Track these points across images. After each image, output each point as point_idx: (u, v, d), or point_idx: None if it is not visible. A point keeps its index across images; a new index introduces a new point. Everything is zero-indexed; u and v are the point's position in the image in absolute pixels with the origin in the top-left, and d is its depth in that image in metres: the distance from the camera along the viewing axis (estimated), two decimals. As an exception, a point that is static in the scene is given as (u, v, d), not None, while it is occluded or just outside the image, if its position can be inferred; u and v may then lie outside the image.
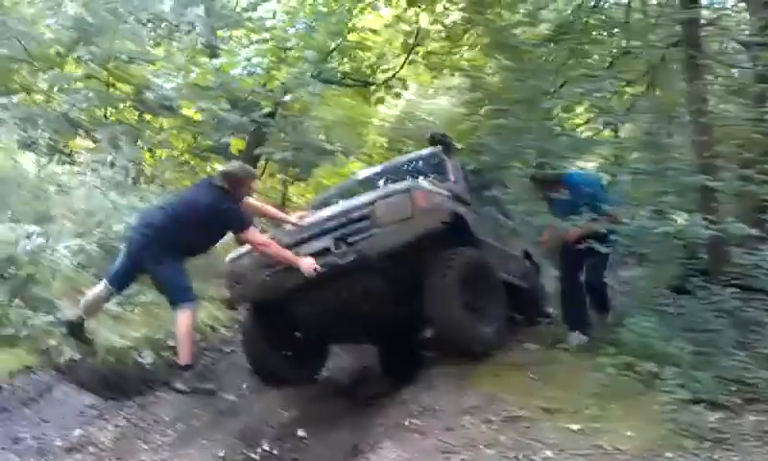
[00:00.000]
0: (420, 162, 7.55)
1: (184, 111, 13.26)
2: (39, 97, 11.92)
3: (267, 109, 11.91)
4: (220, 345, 7.87)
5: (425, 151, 7.66)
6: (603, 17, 12.15)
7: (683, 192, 8.54)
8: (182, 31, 11.90)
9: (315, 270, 5.74)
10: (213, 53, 12.59)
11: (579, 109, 13.92)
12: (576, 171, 7.11)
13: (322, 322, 6.22)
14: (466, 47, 13.65)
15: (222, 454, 4.90)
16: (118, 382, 6.07)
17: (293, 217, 6.41)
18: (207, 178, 6.61)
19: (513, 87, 13.90)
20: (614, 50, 12.72)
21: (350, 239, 5.79)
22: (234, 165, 6.28)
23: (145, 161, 12.41)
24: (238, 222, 5.89)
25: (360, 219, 5.82)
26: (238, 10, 12.72)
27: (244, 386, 6.43)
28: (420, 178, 7.02)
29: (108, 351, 6.23)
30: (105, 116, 12.35)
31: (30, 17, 11.41)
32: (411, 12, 12.76)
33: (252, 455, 5.18)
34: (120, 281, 6.01)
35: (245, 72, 11.20)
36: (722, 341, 5.07)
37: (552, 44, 13.04)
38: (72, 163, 10.04)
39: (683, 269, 7.60)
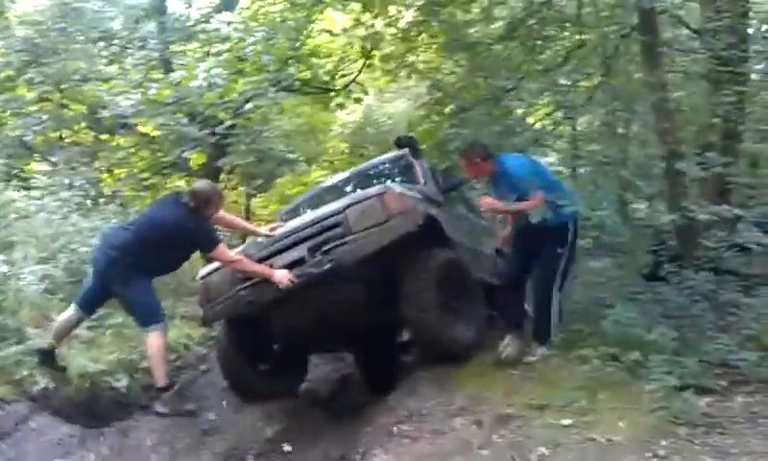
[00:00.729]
0: (388, 166, 7.50)
1: (141, 128, 13.07)
2: (-9, 122, 11.60)
3: (227, 122, 11.76)
4: (195, 362, 7.74)
5: (392, 154, 7.61)
6: (555, 12, 12.32)
7: (648, 180, 8.67)
8: (135, 47, 11.66)
9: (290, 281, 5.65)
10: (168, 67, 12.40)
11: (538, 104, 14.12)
12: (508, 155, 6.59)
13: (300, 333, 6.12)
14: (421, 49, 13.68)
15: (209, 475, 4.79)
16: (94, 409, 5.92)
17: (264, 229, 6.31)
18: (173, 195, 6.47)
19: (471, 86, 14.06)
20: (569, 44, 12.90)
21: (325, 248, 5.71)
22: (202, 183, 6.16)
23: (104, 182, 12.17)
24: (206, 241, 5.78)
25: (333, 226, 5.75)
26: (191, 22, 12.51)
27: (224, 404, 6.32)
28: (389, 181, 7.00)
29: (81, 376, 6.05)
30: (60, 138, 12.07)
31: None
32: (366, 16, 12.75)
33: (238, 473, 5.09)
34: (89, 305, 5.88)
35: (204, 84, 11.07)
36: (703, 325, 5.11)
37: (507, 41, 13.19)
38: (29, 188, 9.79)
39: (653, 256, 7.69)
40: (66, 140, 12.49)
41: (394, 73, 13.95)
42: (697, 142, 7.78)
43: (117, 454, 4.90)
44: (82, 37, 11.29)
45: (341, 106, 11.74)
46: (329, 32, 11.79)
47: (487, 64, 13.57)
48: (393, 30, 12.98)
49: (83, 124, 12.64)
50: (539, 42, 12.45)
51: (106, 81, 11.45)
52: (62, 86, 11.28)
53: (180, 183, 14.52)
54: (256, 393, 6.24)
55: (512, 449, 4.18)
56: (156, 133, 13.08)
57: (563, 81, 12.85)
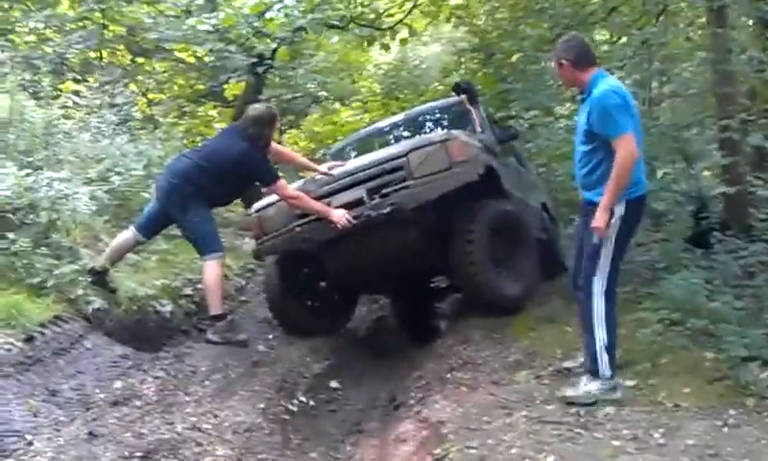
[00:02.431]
0: (444, 112, 7.41)
1: (177, 54, 12.95)
2: (31, 38, 11.49)
3: (266, 53, 11.65)
4: (234, 294, 7.80)
5: (449, 100, 7.52)
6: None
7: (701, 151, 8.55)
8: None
9: (348, 221, 5.63)
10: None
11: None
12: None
13: (352, 273, 6.13)
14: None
15: (262, 406, 4.81)
16: (142, 332, 5.99)
17: (323, 167, 6.27)
18: (235, 125, 6.44)
19: (511, 34, 13.86)
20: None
21: (384, 191, 5.68)
22: (258, 106, 6.13)
23: (138, 105, 12.11)
24: (267, 174, 5.76)
25: (394, 170, 5.71)
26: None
27: (269, 336, 6.34)
28: (445, 128, 6.93)
29: (130, 299, 6.10)
30: (100, 58, 11.96)
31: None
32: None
33: (290, 407, 5.11)
34: (149, 229, 5.91)
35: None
36: (764, 296, 5.08)
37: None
38: (69, 107, 9.73)
39: (695, 222, 7.63)
40: (103, 61, 12.40)
41: (434, 16, 13.82)
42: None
43: (173, 378, 4.92)
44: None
45: (385, 46, 11.59)
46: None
47: (528, 13, 13.48)
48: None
49: (121, 45, 12.55)
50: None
51: (149, 3, 11.31)
52: (104, 6, 11.14)
53: (212, 113, 14.51)
54: (302, 328, 6.28)
55: (576, 406, 4.17)
56: (191, 59, 13.02)
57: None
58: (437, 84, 15.70)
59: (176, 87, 13.51)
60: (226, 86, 12.95)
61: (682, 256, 6.39)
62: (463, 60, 15.58)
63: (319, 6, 9.54)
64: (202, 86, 13.16)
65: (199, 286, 6.80)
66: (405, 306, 7.70)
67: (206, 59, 12.34)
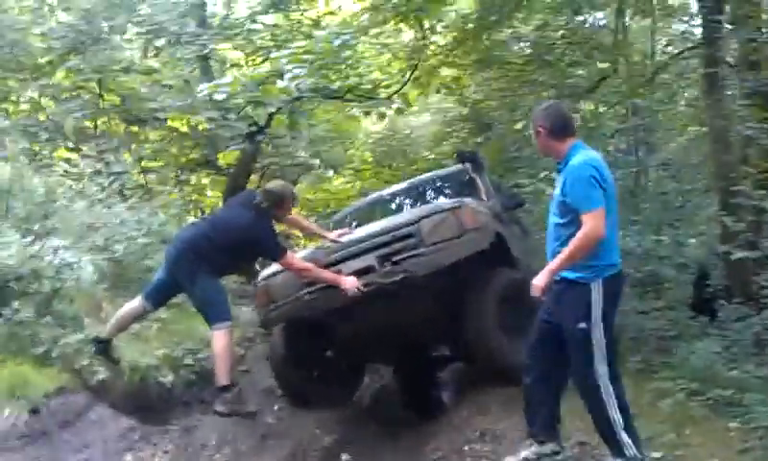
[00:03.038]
0: (449, 181, 7.41)
1: (170, 123, 12.97)
2: (25, 107, 11.48)
3: (260, 121, 11.70)
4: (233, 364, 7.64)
5: (454, 168, 7.53)
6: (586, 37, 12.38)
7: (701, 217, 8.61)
8: (182, 42, 11.53)
9: (359, 289, 5.56)
10: (206, 66, 12.36)
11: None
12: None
13: (361, 342, 6.04)
14: (454, 65, 13.74)
15: (274, 480, 4.69)
16: (148, 403, 5.84)
17: (332, 234, 6.22)
18: (246, 194, 6.41)
19: (498, 105, 14.12)
20: (601, 68, 12.96)
21: (395, 258, 5.62)
22: (276, 183, 6.09)
23: (131, 175, 12.06)
24: (274, 250, 5.68)
25: (405, 237, 5.66)
26: (234, 20, 12.46)
27: (275, 408, 6.20)
28: (447, 197, 6.94)
29: (132, 370, 5.96)
30: (94, 127, 11.95)
31: (21, 24, 11.02)
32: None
33: (303, 482, 4.99)
34: (157, 298, 5.79)
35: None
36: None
37: (537, 63, 13.26)
38: (65, 175, 9.68)
39: (699, 291, 7.63)
40: (98, 129, 12.38)
41: (425, 87, 14.02)
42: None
43: (183, 451, 4.79)
44: (127, 27, 11.16)
45: (381, 115, 11.69)
46: (381, 43, 11.70)
47: (515, 85, 13.76)
48: (432, 46, 13.08)
49: (114, 115, 12.55)
50: (567, 65, 12.59)
51: (147, 73, 11.36)
52: (101, 76, 11.16)
53: (205, 181, 14.48)
54: (309, 399, 6.14)
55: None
56: (184, 128, 13.03)
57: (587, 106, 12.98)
58: (427, 153, 15.87)
59: (170, 157, 13.48)
60: (219, 155, 12.95)
61: (690, 324, 6.38)
62: (452, 129, 15.82)
63: (317, 75, 9.58)
64: (195, 156, 13.14)
65: (200, 356, 6.67)
66: (408, 376, 7.58)
67: (201, 127, 12.37)
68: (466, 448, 4.88)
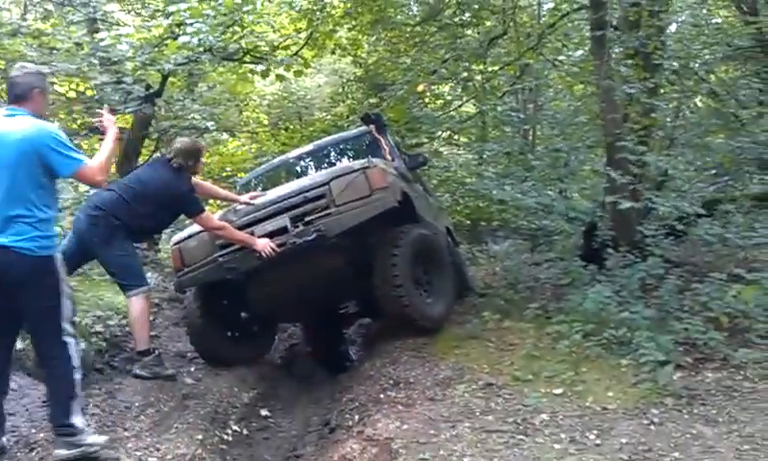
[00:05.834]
0: (354, 142, 7.61)
1: (57, 88, 12.56)
2: None
3: (154, 85, 11.51)
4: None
5: (359, 130, 7.72)
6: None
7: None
8: (75, 5, 11.12)
9: (272, 250, 5.72)
10: (94, 29, 11.98)
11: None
12: None
13: (276, 302, 6.21)
14: (348, 26, 13.82)
15: (200, 438, 4.84)
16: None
17: (243, 197, 6.32)
18: (159, 157, 6.41)
19: (392, 66, 14.37)
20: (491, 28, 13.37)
21: (307, 218, 5.80)
22: (185, 140, 6.13)
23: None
24: (194, 205, 5.76)
25: (316, 198, 5.85)
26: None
27: (192, 369, 6.30)
28: (352, 158, 7.14)
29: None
30: (-21, 93, 11.45)
31: None
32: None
33: (225, 437, 5.18)
34: (68, 266, 5.71)
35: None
36: (668, 307, 5.54)
37: (429, 24, 13.57)
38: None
39: (588, 242, 8.14)
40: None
41: (321, 48, 14.07)
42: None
43: (109, 415, 4.85)
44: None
45: (280, 77, 11.68)
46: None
47: (409, 45, 14.04)
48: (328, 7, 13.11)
49: (2, 79, 12.05)
50: (458, 26, 12.94)
51: (35, 37, 10.94)
52: (-15, 39, 10.69)
53: (97, 147, 14.10)
54: (224, 359, 6.27)
55: (512, 416, 4.43)
56: (71, 94, 12.65)
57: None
58: (323, 114, 15.97)
59: (57, 122, 13.04)
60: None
61: (581, 273, 6.84)
62: (347, 90, 15.95)
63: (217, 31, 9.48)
64: (84, 121, 12.78)
65: (109, 323, 6.67)
66: (317, 333, 7.81)
67: (88, 92, 12.05)
68: (381, 396, 5.13)
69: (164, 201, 5.67)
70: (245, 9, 9.26)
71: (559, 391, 4.71)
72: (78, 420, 4.10)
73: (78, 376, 4.15)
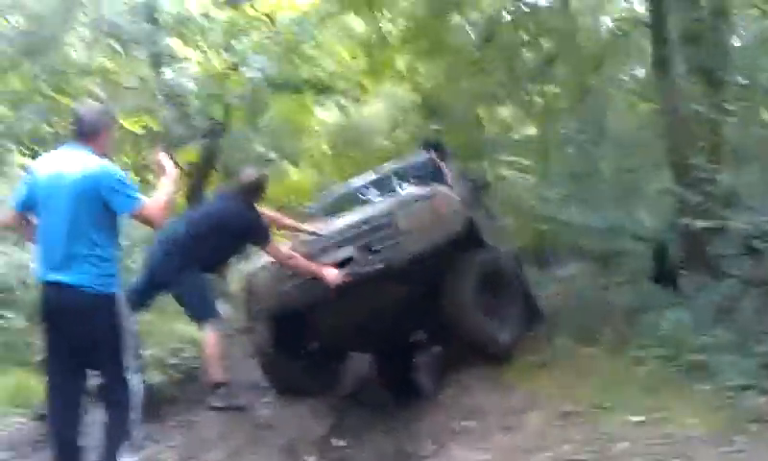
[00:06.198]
0: (417, 168, 7.60)
1: (124, 124, 12.91)
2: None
3: (218, 119, 11.78)
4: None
5: (420, 156, 7.73)
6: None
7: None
8: (138, 42, 11.48)
9: (342, 280, 5.75)
10: (157, 62, 12.31)
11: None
12: None
13: (345, 332, 6.24)
14: (404, 54, 13.90)
15: (276, 469, 4.88)
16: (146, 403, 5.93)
17: (309, 227, 6.38)
18: (225, 190, 6.54)
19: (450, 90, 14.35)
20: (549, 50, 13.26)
21: (374, 247, 5.82)
22: (250, 170, 6.24)
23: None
24: (263, 235, 5.84)
25: (382, 227, 5.87)
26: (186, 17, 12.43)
27: (264, 400, 6.35)
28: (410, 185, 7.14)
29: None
30: (53, 131, 11.85)
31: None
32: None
33: (300, 469, 5.19)
34: (141, 300, 5.85)
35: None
36: (749, 328, 5.38)
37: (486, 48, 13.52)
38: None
39: (659, 263, 7.97)
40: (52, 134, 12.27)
41: (380, 76, 14.19)
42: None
43: (187, 447, 4.93)
44: (83, 29, 11.09)
45: (341, 107, 11.84)
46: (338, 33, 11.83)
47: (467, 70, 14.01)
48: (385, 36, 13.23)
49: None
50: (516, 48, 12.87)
51: (103, 74, 11.32)
52: (56, 79, 11.09)
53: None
54: (297, 389, 6.30)
55: (591, 444, 4.34)
56: (137, 129, 12.98)
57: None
58: (383, 140, 16.04)
59: (125, 158, 13.40)
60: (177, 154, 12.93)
61: (653, 296, 6.71)
62: (406, 116, 16.00)
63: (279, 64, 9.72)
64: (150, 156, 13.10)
65: (185, 355, 6.78)
66: (387, 362, 7.79)
67: (155, 127, 12.37)
68: (455, 425, 5.11)
69: (234, 232, 5.76)
70: (304, 42, 9.46)
71: (638, 418, 4.59)
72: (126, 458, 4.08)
73: (135, 416, 4.15)
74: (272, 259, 6.00)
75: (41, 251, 4.04)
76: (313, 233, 6.21)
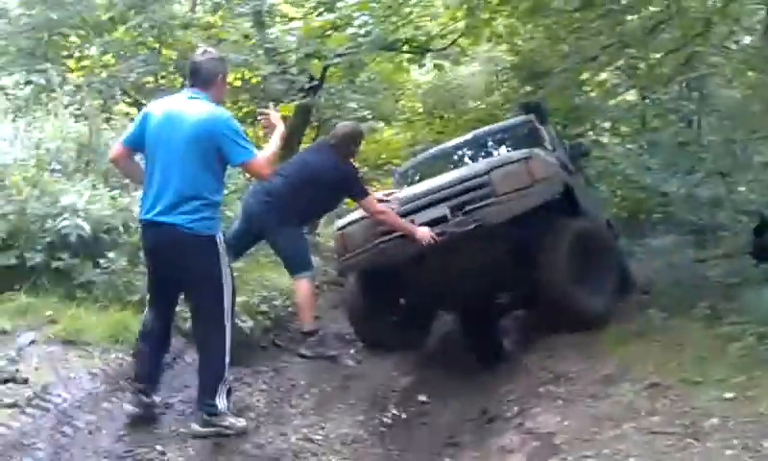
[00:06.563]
0: (514, 131, 7.55)
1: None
2: (87, 63, 11.76)
3: (316, 76, 11.89)
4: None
5: (519, 119, 7.67)
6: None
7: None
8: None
9: (432, 239, 5.78)
10: (260, 21, 12.45)
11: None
12: None
13: (434, 290, 6.29)
14: (505, 13, 13.65)
15: (361, 419, 4.99)
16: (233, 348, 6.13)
17: (379, 194, 6.42)
18: (322, 141, 6.68)
19: (550, 53, 14.03)
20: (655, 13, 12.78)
21: (467, 208, 5.83)
22: (348, 125, 6.37)
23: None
24: (359, 187, 5.93)
25: (477, 188, 5.86)
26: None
27: (352, 351, 6.49)
28: (513, 148, 7.08)
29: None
30: (156, 82, 12.21)
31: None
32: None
33: (385, 419, 5.28)
34: (237, 248, 6.03)
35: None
36: None
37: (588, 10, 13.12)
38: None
39: (760, 238, 7.71)
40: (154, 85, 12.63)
41: (478, 37, 13.98)
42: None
43: (276, 391, 5.10)
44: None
45: (439, 67, 11.77)
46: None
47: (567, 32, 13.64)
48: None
49: (172, 69, 12.77)
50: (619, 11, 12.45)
51: (205, 28, 11.55)
52: (160, 32, 11.38)
53: (261, 135, 14.71)
54: (385, 344, 6.41)
55: (680, 418, 4.26)
56: (237, 83, 13.21)
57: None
58: (479, 102, 15.89)
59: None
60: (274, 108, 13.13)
61: (753, 271, 6.50)
62: (503, 79, 15.80)
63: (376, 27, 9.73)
64: (252, 108, 13.36)
65: (275, 303, 6.96)
66: (474, 323, 7.81)
67: (253, 80, 12.59)
68: (540, 389, 5.08)
69: (329, 183, 5.87)
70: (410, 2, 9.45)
71: (730, 395, 4.47)
72: (221, 402, 4.23)
73: (227, 359, 4.30)
74: (364, 214, 6.09)
75: (149, 189, 4.21)
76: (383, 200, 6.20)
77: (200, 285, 4.27)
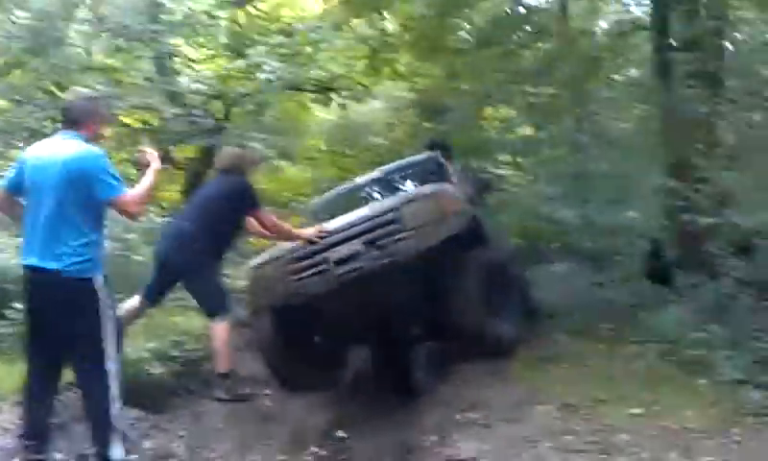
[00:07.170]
0: (421, 167, 7.71)
1: (124, 120, 12.94)
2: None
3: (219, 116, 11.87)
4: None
5: (424, 155, 7.83)
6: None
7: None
8: (145, 41, 11.48)
9: (317, 236, 5.99)
10: (162, 64, 12.33)
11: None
12: None
13: (349, 325, 6.33)
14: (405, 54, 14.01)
15: (282, 459, 4.99)
16: (144, 394, 6.01)
17: (307, 232, 6.41)
18: (212, 178, 6.74)
19: (449, 90, 14.41)
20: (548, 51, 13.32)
21: (379, 243, 5.93)
22: (231, 148, 6.47)
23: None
24: (254, 199, 5.98)
25: (388, 223, 5.97)
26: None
27: (267, 391, 6.45)
28: (420, 183, 7.25)
29: (126, 364, 6.11)
30: (52, 127, 11.89)
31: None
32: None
33: (305, 458, 5.30)
34: (155, 295, 5.95)
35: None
36: (744, 325, 5.52)
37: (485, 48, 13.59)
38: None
39: (654, 261, 8.11)
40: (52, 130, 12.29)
41: (379, 75, 14.28)
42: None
43: (196, 437, 5.03)
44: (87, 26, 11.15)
45: (342, 106, 11.92)
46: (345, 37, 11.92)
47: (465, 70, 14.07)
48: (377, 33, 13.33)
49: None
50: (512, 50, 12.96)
51: (106, 72, 11.35)
52: (58, 75, 11.13)
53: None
54: (301, 383, 6.39)
55: (593, 435, 4.47)
56: (135, 124, 13.01)
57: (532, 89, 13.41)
58: (381, 140, 16.11)
59: (123, 153, 13.43)
60: (175, 150, 12.98)
61: (649, 293, 6.85)
62: (403, 116, 16.09)
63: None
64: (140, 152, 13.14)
65: (186, 347, 6.86)
66: (387, 356, 7.87)
67: (155, 123, 12.42)
68: (458, 416, 5.21)
69: (228, 197, 5.92)
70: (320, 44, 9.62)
71: (638, 411, 4.73)
72: (116, 451, 4.09)
73: (116, 406, 4.14)
74: (278, 253, 6.13)
75: (26, 235, 4.15)
76: (311, 242, 6.23)
77: (77, 330, 4.10)
